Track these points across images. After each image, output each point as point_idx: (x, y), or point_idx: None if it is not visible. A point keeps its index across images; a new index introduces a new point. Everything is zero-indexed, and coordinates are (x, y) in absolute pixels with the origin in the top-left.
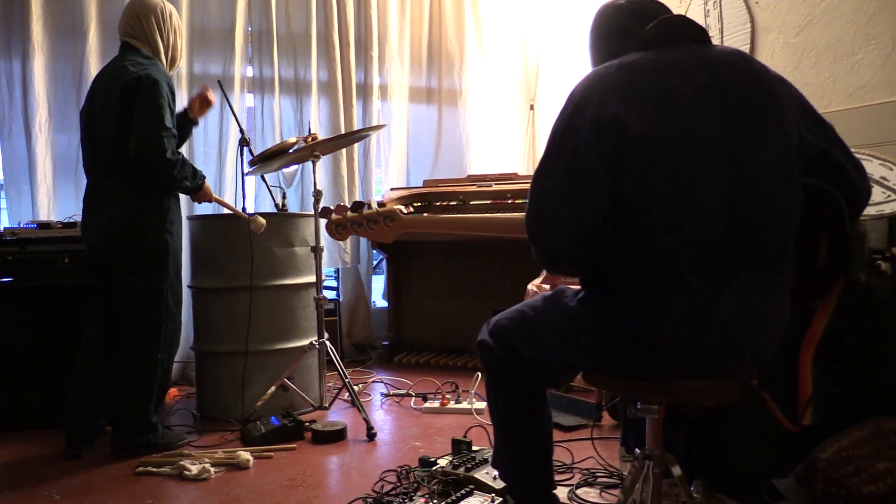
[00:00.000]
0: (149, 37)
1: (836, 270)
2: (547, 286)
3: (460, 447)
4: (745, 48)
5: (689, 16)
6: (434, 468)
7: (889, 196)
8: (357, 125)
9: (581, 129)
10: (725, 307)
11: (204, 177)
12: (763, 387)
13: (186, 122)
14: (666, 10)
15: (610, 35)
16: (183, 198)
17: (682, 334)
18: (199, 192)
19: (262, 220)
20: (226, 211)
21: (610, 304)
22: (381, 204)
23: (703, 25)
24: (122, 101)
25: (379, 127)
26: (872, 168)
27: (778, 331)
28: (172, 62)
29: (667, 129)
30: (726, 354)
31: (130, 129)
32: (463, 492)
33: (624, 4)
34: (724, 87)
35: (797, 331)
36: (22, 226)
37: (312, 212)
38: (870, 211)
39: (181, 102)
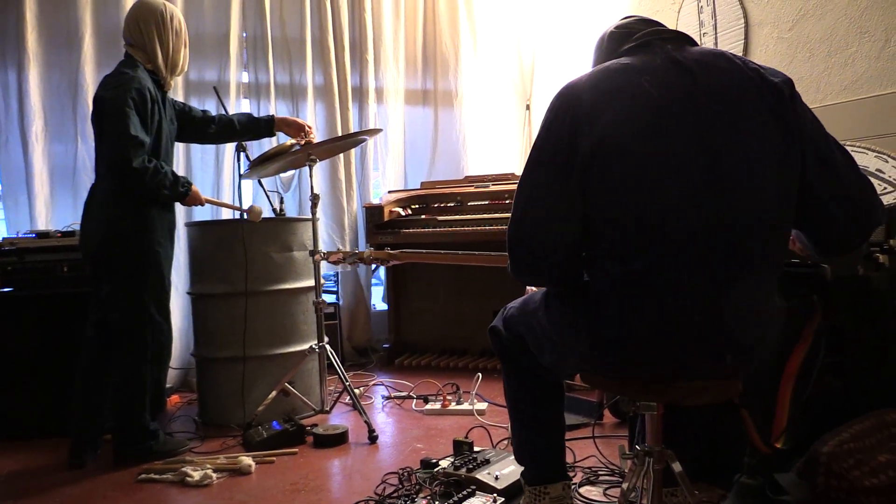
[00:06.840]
0: (146, 43)
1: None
2: None
3: (462, 448)
4: (740, 44)
5: (682, 13)
6: (436, 469)
7: (885, 188)
8: (353, 129)
9: (561, 137)
10: (710, 309)
11: (189, 183)
12: (743, 405)
13: (261, 127)
14: (655, 24)
15: (601, 60)
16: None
17: (669, 336)
18: (185, 198)
19: (259, 209)
20: (225, 213)
21: (588, 309)
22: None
23: (698, 22)
24: (95, 113)
25: (375, 131)
26: (868, 161)
27: (767, 329)
28: (174, 67)
29: (633, 132)
30: (715, 354)
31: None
32: (465, 492)
33: (613, 30)
34: (698, 85)
35: (777, 363)
36: (20, 235)
37: (310, 216)
38: None
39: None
